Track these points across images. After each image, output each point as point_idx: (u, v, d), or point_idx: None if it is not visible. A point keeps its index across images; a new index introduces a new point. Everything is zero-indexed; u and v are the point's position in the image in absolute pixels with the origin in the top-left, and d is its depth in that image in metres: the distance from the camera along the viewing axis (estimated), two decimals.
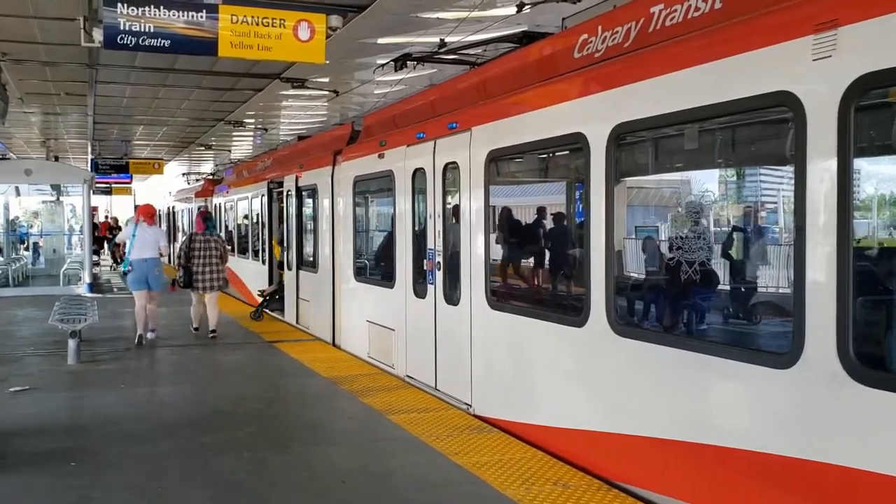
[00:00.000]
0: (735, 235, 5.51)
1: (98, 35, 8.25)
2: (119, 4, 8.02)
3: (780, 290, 4.91)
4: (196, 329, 13.25)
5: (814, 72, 4.13)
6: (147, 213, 12.89)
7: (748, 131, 5.28)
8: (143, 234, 12.37)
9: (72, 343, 10.52)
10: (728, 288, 5.47)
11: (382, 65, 11.36)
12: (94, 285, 20.97)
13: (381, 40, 12.55)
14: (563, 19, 7.36)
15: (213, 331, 12.88)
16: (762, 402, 4.54)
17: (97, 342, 12.11)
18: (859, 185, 4.23)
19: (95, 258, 26.05)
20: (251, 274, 18.57)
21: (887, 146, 4.46)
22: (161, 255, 12.71)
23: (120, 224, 32.70)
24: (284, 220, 15.61)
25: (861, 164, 4.24)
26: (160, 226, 16.06)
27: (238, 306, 17.99)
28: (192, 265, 12.78)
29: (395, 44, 12.45)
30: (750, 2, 4.72)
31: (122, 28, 8.07)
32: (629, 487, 5.52)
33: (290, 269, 15.10)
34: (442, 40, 10.40)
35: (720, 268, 5.38)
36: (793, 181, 4.30)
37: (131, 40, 8.14)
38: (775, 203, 5.29)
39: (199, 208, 25.37)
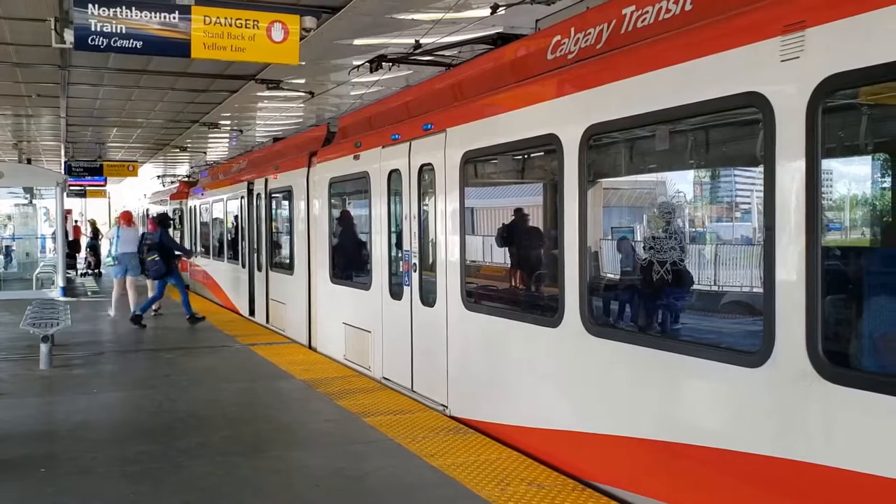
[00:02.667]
0: (706, 236, 5.55)
1: (69, 36, 8.15)
2: (90, 5, 7.93)
3: (752, 290, 4.95)
4: (156, 310, 16.17)
5: (782, 73, 4.16)
6: (126, 218, 16.54)
7: (719, 132, 5.31)
8: (125, 234, 15.82)
9: (44, 347, 10.40)
10: (700, 288, 5.51)
11: (358, 66, 11.33)
12: (68, 289, 20.76)
13: (356, 41, 12.52)
14: (537, 21, 7.39)
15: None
16: (733, 401, 4.57)
17: (70, 346, 11.98)
18: (828, 186, 4.27)
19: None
20: (227, 277, 18.43)
21: (855, 146, 4.50)
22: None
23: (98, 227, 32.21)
24: (258, 221, 15.61)
25: (829, 165, 4.28)
26: (138, 227, 17.90)
27: (214, 310, 17.86)
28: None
29: (370, 45, 12.43)
30: (720, 3, 4.76)
31: (93, 29, 7.97)
32: (604, 487, 5.54)
33: (259, 270, 15.21)
34: (417, 42, 10.39)
35: (692, 267, 5.42)
36: (763, 181, 4.34)
37: (103, 41, 8.04)
38: (747, 203, 5.34)
39: (174, 210, 25.24)
